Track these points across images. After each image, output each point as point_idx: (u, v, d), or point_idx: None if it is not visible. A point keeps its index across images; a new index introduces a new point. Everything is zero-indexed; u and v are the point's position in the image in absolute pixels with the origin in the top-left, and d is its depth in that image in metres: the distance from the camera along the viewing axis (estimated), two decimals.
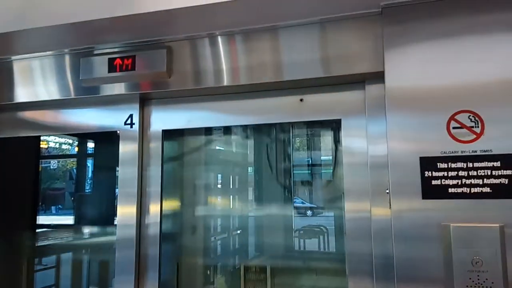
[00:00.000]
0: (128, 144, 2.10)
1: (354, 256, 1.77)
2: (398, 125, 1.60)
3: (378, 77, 1.73)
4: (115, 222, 2.06)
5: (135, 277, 2.03)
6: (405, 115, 1.59)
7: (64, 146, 3.13)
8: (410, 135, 1.58)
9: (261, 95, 1.98)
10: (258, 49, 1.87)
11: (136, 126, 2.11)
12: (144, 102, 2.14)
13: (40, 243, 2.79)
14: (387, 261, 1.66)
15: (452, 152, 1.54)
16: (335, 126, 2.13)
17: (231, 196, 2.56)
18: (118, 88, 2.05)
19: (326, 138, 2.35)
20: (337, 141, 2.19)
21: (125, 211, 2.06)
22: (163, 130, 2.11)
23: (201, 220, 2.42)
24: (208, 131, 2.35)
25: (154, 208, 2.08)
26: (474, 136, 1.52)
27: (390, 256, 1.62)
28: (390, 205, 1.60)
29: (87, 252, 2.75)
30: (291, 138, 2.43)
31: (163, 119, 2.12)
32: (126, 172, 2.08)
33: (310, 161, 2.48)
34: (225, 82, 1.91)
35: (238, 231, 2.50)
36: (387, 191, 1.66)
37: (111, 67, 2.00)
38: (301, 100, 1.93)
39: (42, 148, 2.93)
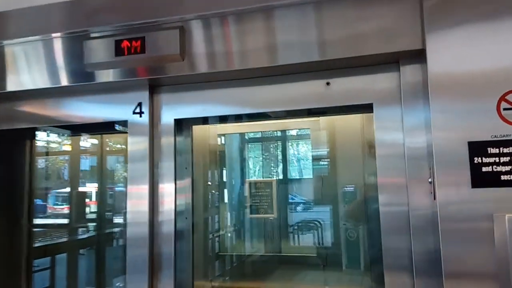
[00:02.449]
0: (137, 134, 1.93)
1: (390, 251, 1.63)
2: (443, 109, 1.45)
3: (415, 56, 1.59)
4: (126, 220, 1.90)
5: (148, 277, 1.87)
6: (450, 98, 1.45)
7: None
8: (457, 118, 1.43)
9: (283, 80, 1.82)
10: (281, 28, 1.70)
11: (145, 115, 1.94)
12: (154, 88, 1.97)
13: None
14: (428, 255, 1.53)
15: (504, 136, 1.40)
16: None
17: None
18: (126, 74, 1.87)
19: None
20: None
21: (136, 207, 1.90)
22: (175, 120, 1.95)
23: None
24: None
25: (167, 204, 1.92)
26: None
27: (431, 250, 1.51)
28: (434, 196, 1.47)
29: None
30: None
31: (175, 107, 1.95)
32: (136, 165, 1.92)
33: None
34: (245, 65, 1.75)
35: None
36: (430, 180, 1.53)
37: (118, 50, 1.82)
38: (328, 83, 1.77)
39: None
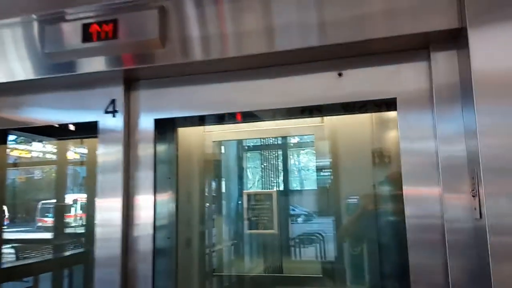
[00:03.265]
0: (109, 137, 1.63)
1: (420, 268, 1.34)
2: (490, 107, 1.15)
3: (449, 39, 1.30)
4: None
5: None
6: (500, 93, 1.15)
7: None
8: (509, 118, 1.13)
9: (286, 71, 1.52)
10: (281, 6, 1.40)
11: (120, 115, 1.64)
12: (131, 82, 1.68)
13: None
14: (469, 273, 1.27)
15: None
16: None
17: None
18: (96, 64, 1.58)
19: None
20: None
21: (107, 222, 1.61)
22: (156, 120, 1.65)
23: None
24: None
25: (145, 217, 1.61)
26: None
27: (473, 267, 1.25)
28: (480, 210, 1.15)
29: None
30: None
31: (156, 105, 1.65)
32: (108, 174, 1.61)
33: None
34: (239, 52, 1.45)
35: None
36: (473, 191, 1.21)
37: (86, 36, 1.54)
38: (340, 74, 1.46)
39: None
